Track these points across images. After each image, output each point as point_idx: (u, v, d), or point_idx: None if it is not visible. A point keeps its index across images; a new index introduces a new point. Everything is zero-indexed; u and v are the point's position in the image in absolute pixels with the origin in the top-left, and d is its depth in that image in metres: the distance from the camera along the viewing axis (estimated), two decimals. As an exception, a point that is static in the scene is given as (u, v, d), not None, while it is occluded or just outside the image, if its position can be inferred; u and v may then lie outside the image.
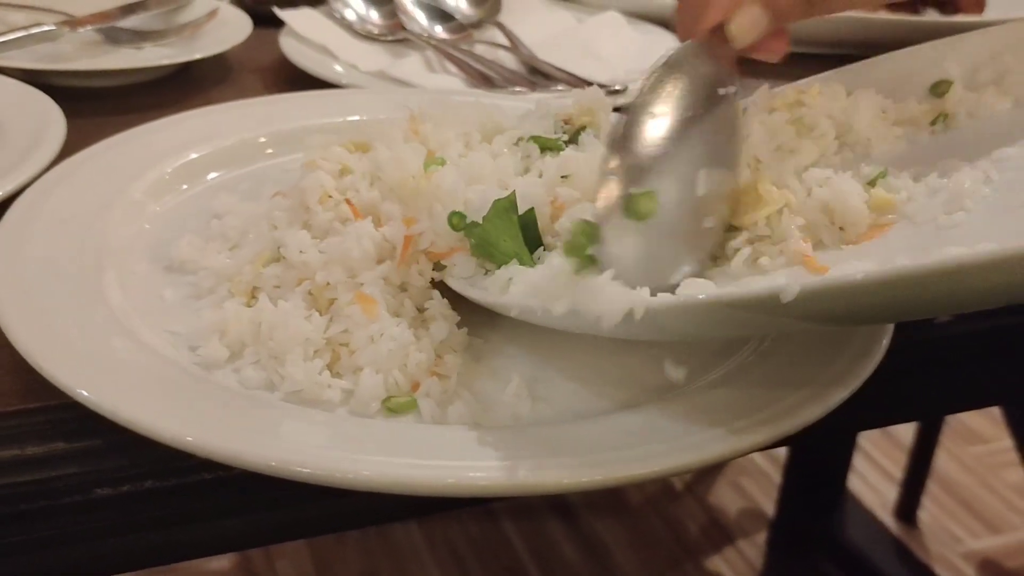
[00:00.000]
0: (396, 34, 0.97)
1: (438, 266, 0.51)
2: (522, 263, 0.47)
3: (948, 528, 1.84)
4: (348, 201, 0.53)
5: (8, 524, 0.43)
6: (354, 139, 0.58)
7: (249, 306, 0.50)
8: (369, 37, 0.97)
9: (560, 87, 0.86)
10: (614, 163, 0.46)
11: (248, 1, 1.05)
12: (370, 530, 1.72)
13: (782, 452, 1.84)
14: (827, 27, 0.88)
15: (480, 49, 0.96)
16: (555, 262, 0.43)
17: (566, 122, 0.59)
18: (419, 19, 1.01)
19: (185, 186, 0.64)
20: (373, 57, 0.92)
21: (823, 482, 1.74)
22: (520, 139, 0.57)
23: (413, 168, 0.52)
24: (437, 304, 0.50)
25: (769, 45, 0.53)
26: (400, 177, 0.52)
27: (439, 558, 1.70)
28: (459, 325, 0.50)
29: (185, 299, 0.53)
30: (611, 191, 0.46)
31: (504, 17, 1.04)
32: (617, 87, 0.84)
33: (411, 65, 0.91)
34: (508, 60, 0.94)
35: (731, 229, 0.51)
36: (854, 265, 0.41)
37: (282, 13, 0.94)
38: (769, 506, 1.83)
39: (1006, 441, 2.06)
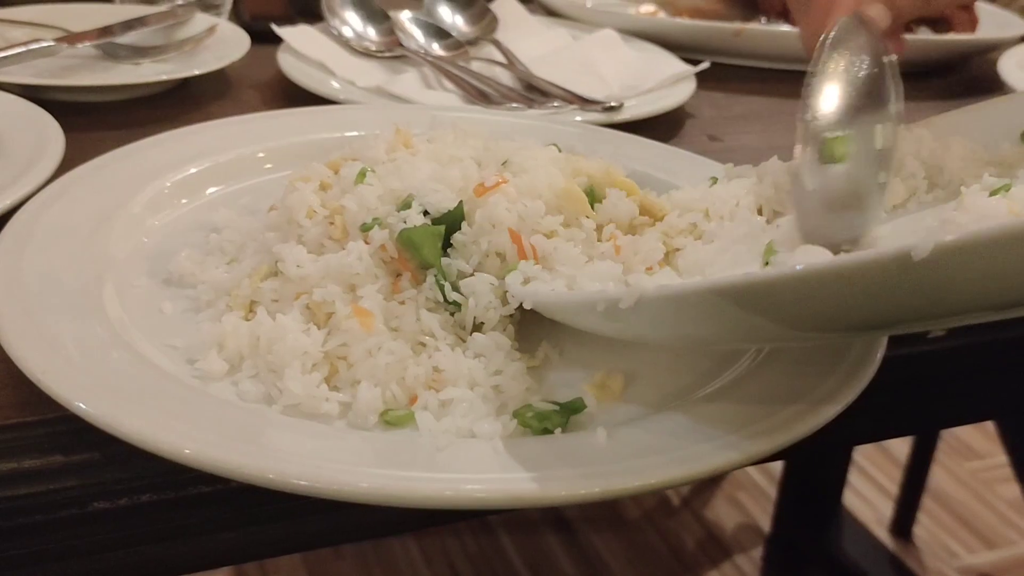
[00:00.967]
0: (393, 51, 0.98)
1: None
2: (437, 271, 0.50)
3: (944, 543, 1.84)
4: (331, 222, 0.54)
5: (5, 538, 0.43)
6: (344, 155, 0.59)
7: (247, 320, 0.50)
8: (366, 54, 0.98)
9: (556, 104, 0.87)
10: (809, 114, 0.52)
11: (246, 18, 1.06)
12: (367, 544, 1.71)
13: (778, 467, 1.84)
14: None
15: (477, 66, 0.96)
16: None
17: None
18: (416, 36, 1.01)
19: (184, 200, 0.65)
20: (370, 73, 0.92)
21: (819, 497, 1.74)
22: None
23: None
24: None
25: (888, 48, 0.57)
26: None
27: (436, 572, 1.69)
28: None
29: (184, 312, 0.53)
30: (808, 138, 0.51)
31: (500, 34, 1.05)
32: (613, 104, 0.85)
33: (408, 81, 0.91)
34: (504, 77, 0.94)
35: None
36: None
37: (280, 30, 0.94)
38: (765, 521, 1.83)
39: (1001, 456, 2.07)
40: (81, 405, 0.42)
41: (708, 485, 1.91)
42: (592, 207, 0.55)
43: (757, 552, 1.78)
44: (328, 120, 0.76)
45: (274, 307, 0.51)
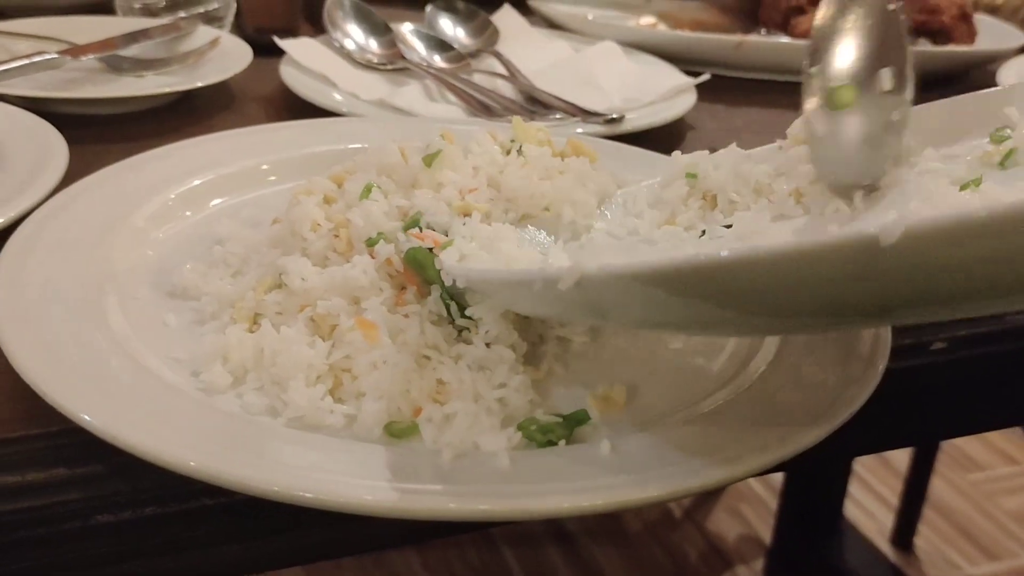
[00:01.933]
0: (395, 63, 0.98)
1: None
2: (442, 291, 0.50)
3: (945, 555, 1.83)
4: (336, 235, 0.54)
5: (8, 551, 0.43)
6: (346, 168, 0.59)
7: (251, 332, 0.51)
8: (369, 66, 0.98)
9: (558, 115, 0.87)
10: (814, 67, 0.54)
11: (249, 30, 1.07)
12: (367, 556, 1.71)
13: (779, 479, 1.84)
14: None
15: (478, 78, 0.97)
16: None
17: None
18: (418, 48, 1.02)
19: (188, 213, 0.65)
20: (373, 86, 0.93)
21: (819, 509, 1.74)
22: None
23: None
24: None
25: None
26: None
27: (437, 585, 1.69)
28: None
29: (188, 325, 0.53)
30: (813, 89, 0.53)
31: (502, 46, 1.06)
32: (614, 116, 0.85)
33: (411, 94, 0.92)
34: (506, 89, 0.95)
35: None
36: None
37: (282, 42, 0.95)
38: (766, 533, 1.83)
39: (1003, 468, 2.07)
40: (85, 417, 0.42)
41: (709, 497, 1.91)
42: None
43: (759, 564, 1.77)
44: (331, 132, 0.76)
45: (278, 319, 0.51)
